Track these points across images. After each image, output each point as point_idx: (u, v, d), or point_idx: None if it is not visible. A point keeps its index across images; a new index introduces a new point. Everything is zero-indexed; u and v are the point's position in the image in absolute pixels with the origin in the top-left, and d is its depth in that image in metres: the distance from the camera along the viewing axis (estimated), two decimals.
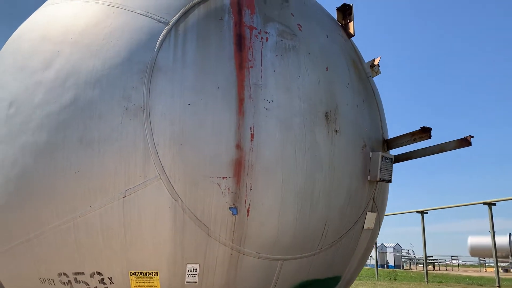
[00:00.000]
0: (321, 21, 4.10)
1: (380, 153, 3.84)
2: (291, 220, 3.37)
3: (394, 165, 4.13)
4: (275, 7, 3.74)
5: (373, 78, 4.65)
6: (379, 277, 21.03)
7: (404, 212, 22.66)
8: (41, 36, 3.62)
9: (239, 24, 3.48)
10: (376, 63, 4.74)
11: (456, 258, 44.51)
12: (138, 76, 3.19)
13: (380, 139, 4.13)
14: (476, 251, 38.00)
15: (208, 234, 3.18)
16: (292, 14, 3.80)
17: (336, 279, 3.97)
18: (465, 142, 3.95)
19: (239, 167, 3.19)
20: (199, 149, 3.13)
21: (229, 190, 3.17)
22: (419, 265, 44.17)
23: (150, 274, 3.21)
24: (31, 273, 3.48)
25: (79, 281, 3.30)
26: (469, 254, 39.06)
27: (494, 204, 15.47)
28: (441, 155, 4.23)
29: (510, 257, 34.17)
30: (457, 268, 41.87)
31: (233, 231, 3.22)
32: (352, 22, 4.37)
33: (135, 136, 3.10)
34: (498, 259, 16.03)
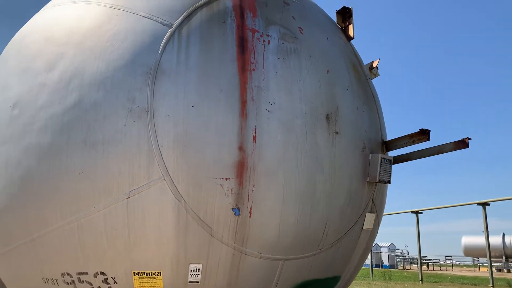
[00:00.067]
0: (322, 24, 4.15)
1: (379, 155, 3.90)
2: (293, 220, 3.42)
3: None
4: (276, 10, 3.79)
5: (372, 80, 4.71)
6: (373, 277, 21.14)
7: (399, 212, 22.82)
8: (45, 37, 3.64)
9: (241, 27, 3.52)
10: (374, 65, 4.80)
11: (450, 258, 44.78)
12: (142, 78, 3.22)
13: (379, 141, 4.19)
14: (470, 251, 38.26)
15: (211, 235, 3.22)
16: (293, 17, 3.85)
17: (335, 279, 4.02)
18: (462, 144, 4.02)
19: (241, 169, 3.24)
20: (203, 151, 3.17)
21: (232, 191, 3.22)
22: (413, 265, 44.40)
23: (153, 274, 3.25)
24: (34, 273, 3.50)
25: (83, 281, 3.33)
26: (463, 254, 39.32)
27: (488, 205, 15.62)
28: (436, 155, 4.30)
29: (503, 257, 34.44)
30: (451, 268, 42.13)
31: (236, 232, 3.27)
32: (351, 25, 4.43)
33: (139, 138, 3.14)
34: (492, 259, 16.15)
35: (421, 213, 20.40)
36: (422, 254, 20.53)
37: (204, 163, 3.17)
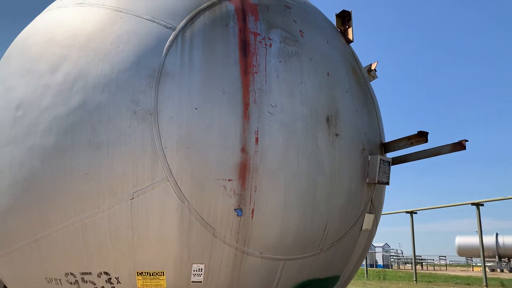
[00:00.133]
0: (322, 27, 4.21)
1: (378, 156, 3.96)
2: (294, 221, 3.48)
3: None
4: (278, 14, 3.84)
5: (370, 83, 4.77)
6: (368, 276, 21.27)
7: (393, 212, 22.96)
8: (49, 39, 3.67)
9: (243, 30, 3.57)
10: (373, 68, 4.86)
11: (444, 258, 45.05)
12: (146, 80, 3.27)
13: (378, 143, 4.25)
14: (464, 251, 38.55)
15: (213, 235, 3.27)
16: (294, 21, 3.90)
17: (335, 279, 4.08)
18: (459, 146, 4.09)
19: (244, 170, 3.29)
20: (206, 152, 3.22)
21: (234, 192, 3.26)
22: (407, 264, 44.65)
23: (157, 274, 3.29)
24: (37, 273, 3.54)
25: (86, 281, 3.37)
26: (456, 254, 39.60)
27: (482, 205, 15.77)
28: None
29: (496, 257, 34.72)
30: (444, 268, 42.39)
31: (238, 232, 3.31)
32: (351, 28, 4.48)
33: (143, 139, 3.18)
34: (485, 259, 16.30)
35: (416, 213, 20.54)
36: (416, 254, 20.67)
37: (207, 164, 3.22)
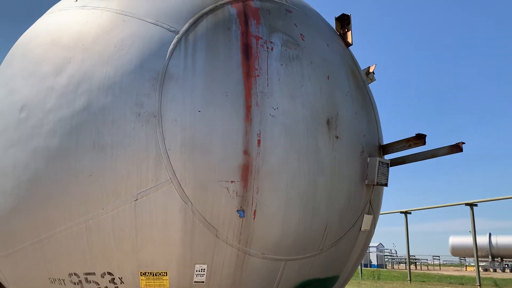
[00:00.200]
0: (322, 30, 4.27)
1: (377, 158, 4.03)
2: (295, 222, 3.53)
3: None
4: (279, 18, 3.90)
5: (368, 85, 4.84)
6: (363, 276, 21.38)
7: (388, 212, 23.08)
8: (52, 41, 3.71)
9: (246, 34, 3.62)
10: (371, 70, 4.92)
11: (438, 257, 45.32)
12: (150, 83, 3.31)
13: (376, 145, 4.32)
14: (457, 251, 38.83)
15: (216, 236, 3.32)
16: (295, 24, 3.96)
17: (334, 279, 4.15)
18: (456, 148, 4.17)
19: (246, 172, 3.34)
20: (209, 155, 3.27)
21: (237, 193, 3.32)
22: (401, 264, 44.87)
23: (160, 274, 3.33)
24: (41, 273, 3.57)
25: (90, 281, 3.41)
26: (450, 254, 39.87)
27: (476, 205, 15.88)
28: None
29: (489, 257, 35.00)
30: (438, 268, 42.65)
31: (240, 233, 3.37)
32: (350, 31, 4.55)
33: (147, 142, 3.22)
34: (478, 259, 16.44)
35: (410, 213, 20.66)
36: (410, 254, 20.80)
37: (210, 166, 3.27)
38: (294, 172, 3.51)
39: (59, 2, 4.29)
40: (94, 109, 3.30)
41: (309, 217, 3.60)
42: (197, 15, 3.60)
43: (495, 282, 16.56)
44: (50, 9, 4.32)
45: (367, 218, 4.18)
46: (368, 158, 4.07)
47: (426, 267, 43.23)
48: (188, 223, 3.25)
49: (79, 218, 3.28)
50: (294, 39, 3.85)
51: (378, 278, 19.56)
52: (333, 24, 4.68)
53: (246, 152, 3.35)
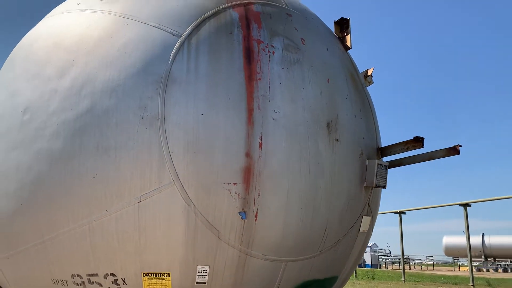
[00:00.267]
0: (321, 34, 4.33)
1: (376, 161, 4.09)
2: (295, 224, 3.59)
3: None
4: (280, 22, 3.94)
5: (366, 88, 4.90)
6: (357, 276, 21.49)
7: (382, 212, 23.20)
8: (55, 44, 3.73)
9: (247, 38, 3.67)
10: (369, 73, 4.99)
11: (431, 257, 45.58)
12: (153, 86, 3.35)
13: (375, 147, 4.39)
14: (451, 251, 39.06)
15: (218, 237, 3.36)
16: (295, 28, 4.01)
17: (333, 279, 4.20)
18: (453, 151, 4.23)
19: (248, 174, 3.39)
20: (212, 157, 3.31)
21: (239, 195, 3.36)
22: (395, 264, 45.08)
23: (163, 275, 3.37)
24: (43, 274, 3.59)
25: (93, 282, 3.44)
26: (443, 254, 40.10)
27: (470, 206, 16.00)
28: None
29: (482, 257, 35.26)
30: (431, 267, 42.90)
31: (242, 234, 3.41)
32: (349, 35, 4.61)
33: (150, 144, 3.26)
34: (472, 259, 16.58)
35: (404, 213, 20.78)
36: (404, 254, 20.92)
37: (213, 169, 3.32)
38: (295, 174, 3.56)
39: (61, 4, 4.31)
40: (98, 111, 3.34)
41: (309, 218, 3.65)
42: (200, 19, 3.64)
43: (488, 282, 16.71)
44: (51, 11, 4.34)
45: (366, 220, 4.24)
46: (367, 161, 4.13)
47: (420, 267, 43.46)
48: (191, 225, 3.29)
49: (82, 219, 3.32)
50: (295, 43, 3.91)
51: (373, 278, 19.68)
52: (332, 27, 4.73)
53: (248, 155, 3.39)
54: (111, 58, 3.46)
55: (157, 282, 3.38)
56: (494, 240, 35.68)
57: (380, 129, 4.86)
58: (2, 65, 4.33)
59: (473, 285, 14.96)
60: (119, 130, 3.29)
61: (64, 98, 3.44)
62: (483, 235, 36.00)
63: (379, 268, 40.40)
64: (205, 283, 3.43)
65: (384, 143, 4.70)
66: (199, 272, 3.40)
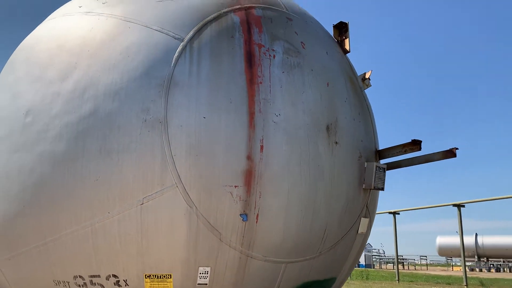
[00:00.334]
0: (321, 38, 4.38)
1: (374, 163, 4.15)
2: (295, 225, 3.63)
3: None
4: (280, 26, 3.99)
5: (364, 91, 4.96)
6: (351, 276, 21.58)
7: (377, 212, 23.26)
8: (57, 47, 3.75)
9: (249, 42, 3.71)
10: (367, 76, 5.05)
11: (425, 257, 45.82)
12: (156, 90, 3.38)
13: (373, 150, 4.44)
14: (444, 251, 39.30)
15: (220, 239, 3.40)
16: (295, 33, 4.06)
17: (332, 280, 4.26)
18: (450, 153, 4.30)
19: (249, 177, 3.43)
20: (213, 160, 3.35)
21: (240, 198, 3.40)
22: (389, 264, 45.28)
23: (164, 276, 3.41)
24: (45, 276, 3.61)
25: (95, 283, 3.46)
26: (437, 254, 40.34)
27: (463, 206, 16.11)
28: None
29: (475, 257, 35.50)
30: (425, 267, 43.13)
31: (243, 236, 3.45)
32: (348, 39, 4.66)
33: (153, 147, 3.29)
34: (465, 259, 16.71)
35: (398, 213, 20.89)
36: (398, 254, 21.05)
37: (215, 171, 3.35)
38: (295, 177, 3.61)
39: (62, 7, 4.33)
40: (101, 114, 3.37)
41: (309, 220, 3.70)
42: (201, 23, 3.68)
43: (481, 281, 16.85)
44: (52, 14, 4.36)
45: (364, 221, 4.29)
46: (366, 163, 4.19)
47: (414, 267, 43.69)
48: (193, 227, 3.33)
49: (85, 221, 3.34)
50: (295, 47, 3.95)
51: (367, 278, 19.77)
52: (330, 31, 4.78)
53: (249, 158, 3.43)
54: (114, 61, 3.49)
55: (159, 283, 3.42)
56: (487, 240, 35.94)
57: (378, 131, 4.92)
58: (1, 68, 4.35)
59: (466, 285, 15.08)
60: (121, 133, 3.32)
61: (67, 101, 3.47)
62: (476, 235, 36.26)
63: (373, 268, 40.56)
64: (206, 284, 3.47)
65: (382, 145, 4.77)
66: (200, 273, 3.44)
